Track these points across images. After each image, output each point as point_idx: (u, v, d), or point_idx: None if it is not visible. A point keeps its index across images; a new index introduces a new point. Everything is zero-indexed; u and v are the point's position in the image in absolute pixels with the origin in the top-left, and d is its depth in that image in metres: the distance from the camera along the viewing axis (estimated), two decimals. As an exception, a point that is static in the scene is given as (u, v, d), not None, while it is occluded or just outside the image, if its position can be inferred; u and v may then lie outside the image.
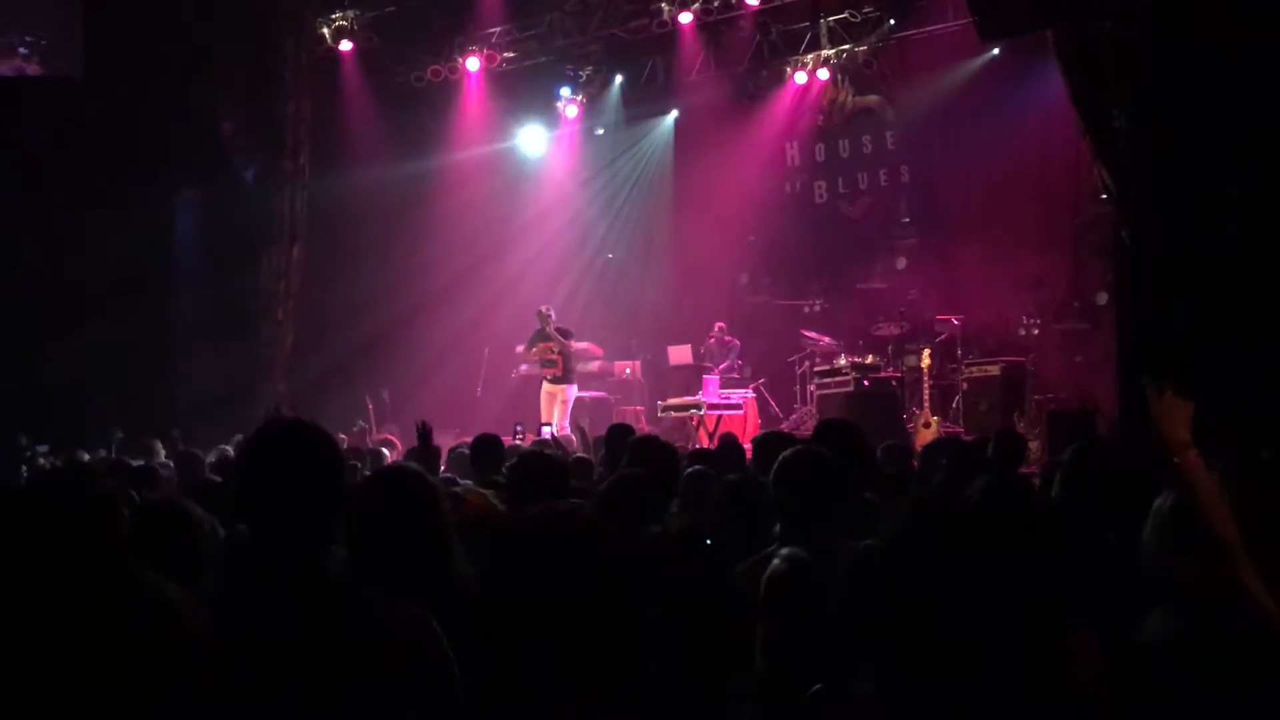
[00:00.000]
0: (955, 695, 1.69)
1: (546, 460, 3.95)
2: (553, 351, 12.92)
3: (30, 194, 12.87)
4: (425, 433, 5.43)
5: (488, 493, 3.95)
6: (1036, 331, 12.51)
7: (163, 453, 8.67)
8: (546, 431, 11.51)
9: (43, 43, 13.72)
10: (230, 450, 7.98)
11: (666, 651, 1.65)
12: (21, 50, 13.60)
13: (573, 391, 13.00)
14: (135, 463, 7.70)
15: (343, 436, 9.18)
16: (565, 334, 13.04)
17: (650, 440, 4.99)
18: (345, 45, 14.59)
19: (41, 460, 9.34)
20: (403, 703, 2.10)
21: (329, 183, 14.35)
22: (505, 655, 1.58)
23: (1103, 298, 11.73)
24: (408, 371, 14.40)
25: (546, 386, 12.98)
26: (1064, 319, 12.35)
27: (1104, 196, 9.92)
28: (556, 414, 12.64)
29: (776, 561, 2.58)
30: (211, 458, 7.64)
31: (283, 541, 2.17)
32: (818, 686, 2.05)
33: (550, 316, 13.02)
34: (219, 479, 5.57)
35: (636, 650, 1.60)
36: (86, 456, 9.00)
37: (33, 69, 13.71)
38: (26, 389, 11.90)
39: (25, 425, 10.48)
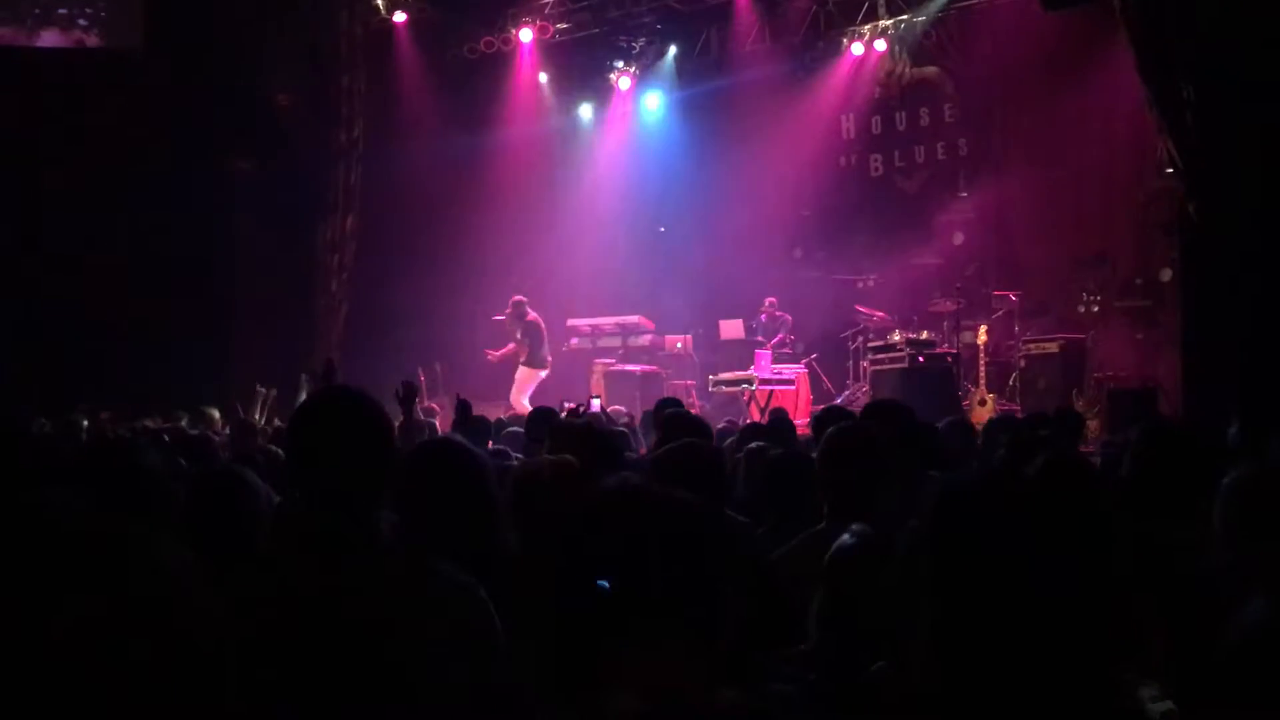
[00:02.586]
0: (1013, 673, 1.64)
1: (585, 431, 3.91)
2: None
3: (88, 165, 13.05)
4: (465, 409, 5.43)
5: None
6: (1097, 308, 12.27)
7: (219, 422, 8.78)
8: (596, 405, 11.52)
9: (102, 14, 13.88)
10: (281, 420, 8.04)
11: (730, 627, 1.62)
12: (81, 21, 13.77)
13: (535, 374, 13.11)
14: (193, 431, 7.81)
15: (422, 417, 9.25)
16: (530, 327, 13.07)
17: (685, 416, 4.92)
18: (399, 16, 14.61)
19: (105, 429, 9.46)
20: (448, 665, 2.10)
21: (383, 154, 14.41)
22: (574, 625, 1.56)
23: (1166, 274, 11.47)
24: (461, 343, 14.46)
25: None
26: (1126, 296, 12.11)
27: (1169, 170, 9.69)
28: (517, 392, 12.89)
29: (847, 536, 2.54)
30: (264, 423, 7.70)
31: (331, 505, 2.18)
32: (879, 665, 2.00)
33: (510, 309, 13.14)
34: (273, 448, 5.60)
35: (713, 625, 1.57)
36: (150, 424, 9.11)
37: (92, 40, 13.87)
38: (85, 358, 12.10)
39: (84, 395, 10.65)
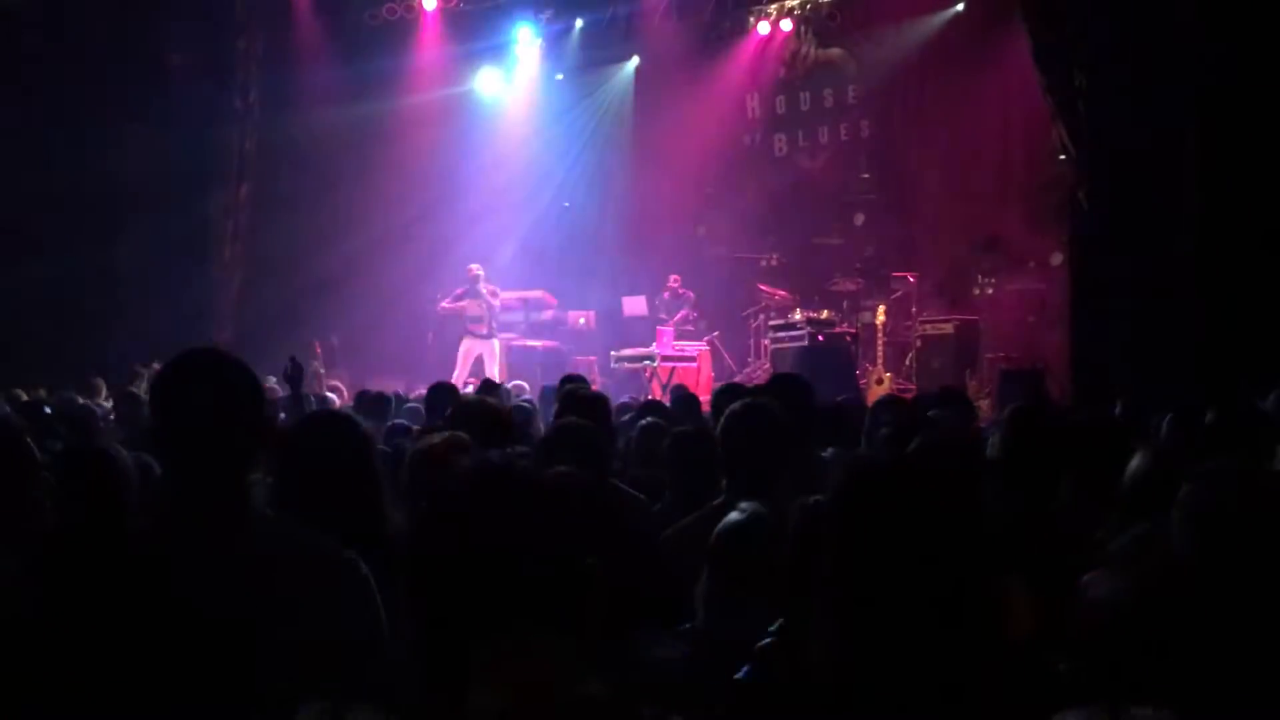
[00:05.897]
0: (895, 645, 1.67)
1: (489, 409, 3.86)
2: (480, 308, 13.16)
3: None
4: (296, 373, 5.30)
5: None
6: (991, 290, 12.55)
7: (105, 392, 8.50)
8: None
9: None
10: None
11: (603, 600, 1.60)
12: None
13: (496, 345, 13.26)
14: (80, 401, 7.55)
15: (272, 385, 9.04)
16: (492, 293, 13.31)
17: (581, 393, 4.91)
18: (299, -20, 14.24)
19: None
20: (324, 636, 2.04)
21: (281, 122, 14.04)
22: (438, 601, 1.53)
23: (1057, 258, 11.76)
24: (358, 316, 14.20)
25: (469, 343, 13.19)
26: (1018, 278, 12.40)
27: (1062, 157, 9.92)
28: (493, 368, 12.80)
29: (734, 514, 2.55)
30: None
31: (199, 474, 2.10)
32: (765, 640, 2.01)
33: (480, 275, 13.26)
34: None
35: (573, 598, 1.55)
36: (25, 396, 8.79)
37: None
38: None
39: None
